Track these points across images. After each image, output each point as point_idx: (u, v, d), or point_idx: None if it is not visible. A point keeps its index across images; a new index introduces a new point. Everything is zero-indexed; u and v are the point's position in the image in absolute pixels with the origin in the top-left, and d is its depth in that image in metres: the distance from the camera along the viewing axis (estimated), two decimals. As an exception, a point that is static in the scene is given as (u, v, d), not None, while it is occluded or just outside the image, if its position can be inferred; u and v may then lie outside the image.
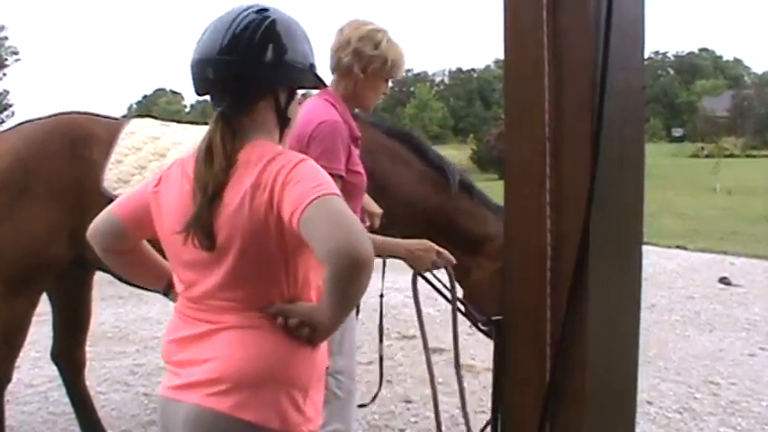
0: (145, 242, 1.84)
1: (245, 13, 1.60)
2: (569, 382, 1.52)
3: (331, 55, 2.71)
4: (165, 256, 1.76)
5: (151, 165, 3.25)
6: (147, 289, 2.24)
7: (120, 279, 2.99)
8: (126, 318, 6.65)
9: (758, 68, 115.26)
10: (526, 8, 1.56)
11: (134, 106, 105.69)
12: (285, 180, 1.50)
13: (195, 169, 1.60)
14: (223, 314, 1.58)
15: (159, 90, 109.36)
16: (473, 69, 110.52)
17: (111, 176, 3.18)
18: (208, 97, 1.66)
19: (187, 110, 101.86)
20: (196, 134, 3.37)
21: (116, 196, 3.05)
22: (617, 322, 1.60)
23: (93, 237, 1.79)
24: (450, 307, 2.71)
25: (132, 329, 6.27)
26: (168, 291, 1.84)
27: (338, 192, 1.49)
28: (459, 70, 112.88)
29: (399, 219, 3.16)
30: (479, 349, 5.06)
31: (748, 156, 41.80)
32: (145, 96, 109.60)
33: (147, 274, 1.90)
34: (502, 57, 1.66)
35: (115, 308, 6.88)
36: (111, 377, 4.95)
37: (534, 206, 1.55)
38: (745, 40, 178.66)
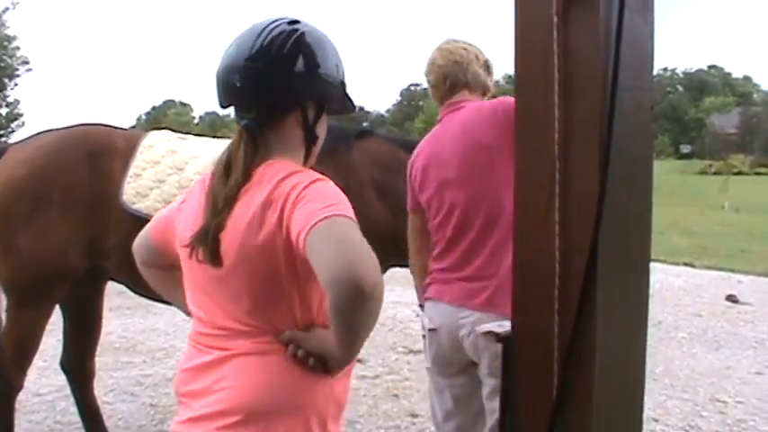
0: None
1: (277, 23, 1.56)
2: (576, 398, 1.53)
3: (457, 71, 2.60)
4: None
5: (170, 179, 3.27)
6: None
7: (140, 292, 3.01)
8: (134, 328, 6.68)
9: (767, 86, 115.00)
10: (536, 25, 1.57)
11: (143, 117, 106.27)
12: (296, 200, 1.40)
13: (210, 183, 1.55)
14: (233, 340, 1.48)
15: (168, 101, 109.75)
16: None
17: (129, 190, 3.19)
18: (231, 110, 1.60)
19: (196, 121, 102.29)
20: (214, 148, 3.40)
21: (134, 210, 3.08)
22: (625, 338, 1.61)
23: (136, 250, 1.80)
24: None
25: (140, 340, 6.29)
26: None
27: (351, 214, 1.38)
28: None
29: None
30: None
31: (756, 173, 41.70)
32: (154, 107, 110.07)
33: (181, 295, 1.73)
34: (511, 72, 1.68)
35: (123, 318, 6.91)
36: (117, 387, 4.97)
37: (543, 222, 1.56)
38: (755, 57, 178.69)
